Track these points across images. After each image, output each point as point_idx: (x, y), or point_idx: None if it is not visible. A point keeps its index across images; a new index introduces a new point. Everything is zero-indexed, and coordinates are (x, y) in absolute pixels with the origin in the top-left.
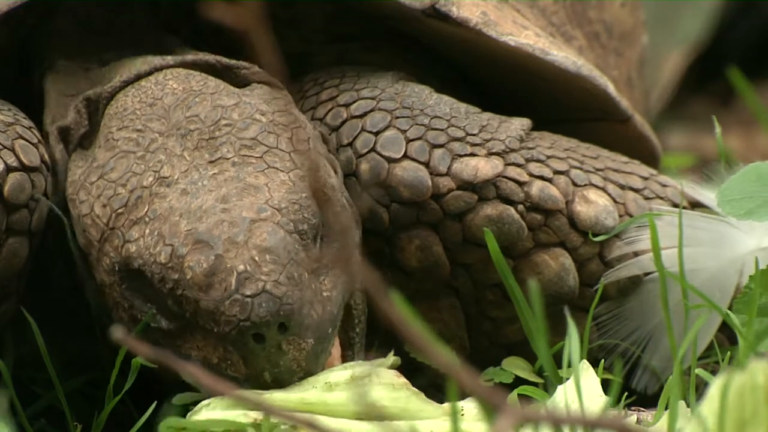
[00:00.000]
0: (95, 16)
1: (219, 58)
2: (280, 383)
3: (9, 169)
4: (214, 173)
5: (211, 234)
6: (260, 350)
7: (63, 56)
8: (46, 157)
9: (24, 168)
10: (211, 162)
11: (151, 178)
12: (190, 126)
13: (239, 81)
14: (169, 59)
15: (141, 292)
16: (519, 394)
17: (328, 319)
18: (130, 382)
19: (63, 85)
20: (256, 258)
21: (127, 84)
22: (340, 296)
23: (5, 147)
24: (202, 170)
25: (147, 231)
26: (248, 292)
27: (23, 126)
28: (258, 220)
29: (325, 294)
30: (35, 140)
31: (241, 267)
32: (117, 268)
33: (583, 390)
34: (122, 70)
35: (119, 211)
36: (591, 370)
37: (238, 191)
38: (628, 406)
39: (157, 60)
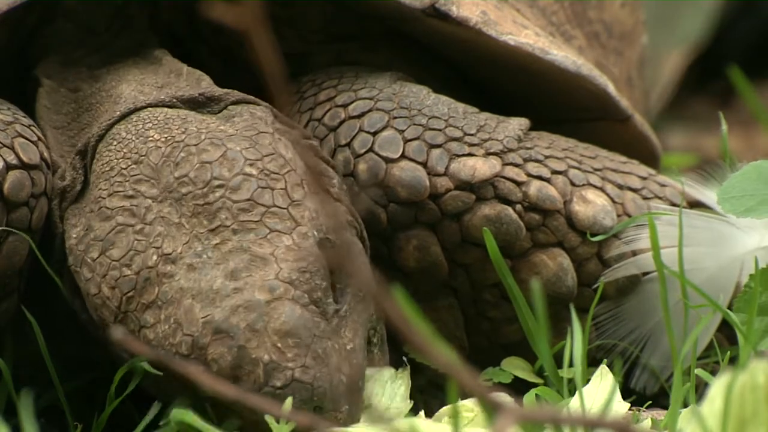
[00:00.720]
0: (95, 16)
1: (202, 90)
2: None
3: (9, 167)
4: (217, 243)
5: (230, 323)
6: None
7: (57, 63)
8: (46, 154)
9: (24, 166)
10: (211, 230)
11: (155, 257)
12: (181, 189)
13: (221, 106)
14: (144, 99)
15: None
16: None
17: (356, 373)
18: (132, 385)
19: (53, 112)
20: (279, 345)
21: (107, 129)
22: (362, 339)
23: (5, 145)
24: (204, 240)
25: (162, 317)
26: (278, 384)
27: (22, 124)
28: (273, 300)
29: (348, 348)
30: (35, 138)
31: (266, 357)
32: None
33: (600, 395)
34: (106, 104)
35: (129, 294)
36: (610, 374)
37: (245, 264)
38: (633, 405)
39: (136, 99)
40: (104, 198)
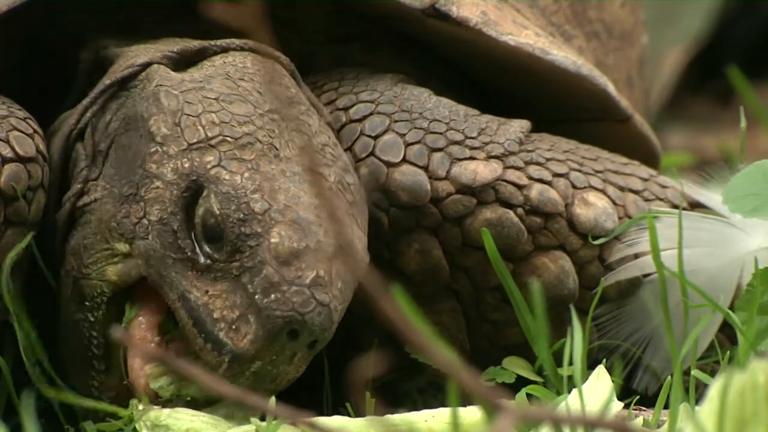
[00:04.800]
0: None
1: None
2: (255, 381)
3: (4, 161)
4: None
5: (309, 227)
6: (280, 343)
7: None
8: (42, 147)
9: (20, 159)
10: (311, 170)
11: (265, 138)
12: (302, 127)
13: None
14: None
15: (191, 209)
16: (527, 394)
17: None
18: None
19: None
20: (333, 276)
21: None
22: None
23: (0, 139)
24: (302, 170)
25: (247, 174)
26: (318, 296)
27: (18, 117)
28: (345, 250)
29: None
30: (30, 131)
31: (323, 273)
32: (193, 177)
33: (596, 394)
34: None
35: (228, 138)
36: (607, 375)
37: (330, 212)
38: (628, 406)
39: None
40: (229, 77)
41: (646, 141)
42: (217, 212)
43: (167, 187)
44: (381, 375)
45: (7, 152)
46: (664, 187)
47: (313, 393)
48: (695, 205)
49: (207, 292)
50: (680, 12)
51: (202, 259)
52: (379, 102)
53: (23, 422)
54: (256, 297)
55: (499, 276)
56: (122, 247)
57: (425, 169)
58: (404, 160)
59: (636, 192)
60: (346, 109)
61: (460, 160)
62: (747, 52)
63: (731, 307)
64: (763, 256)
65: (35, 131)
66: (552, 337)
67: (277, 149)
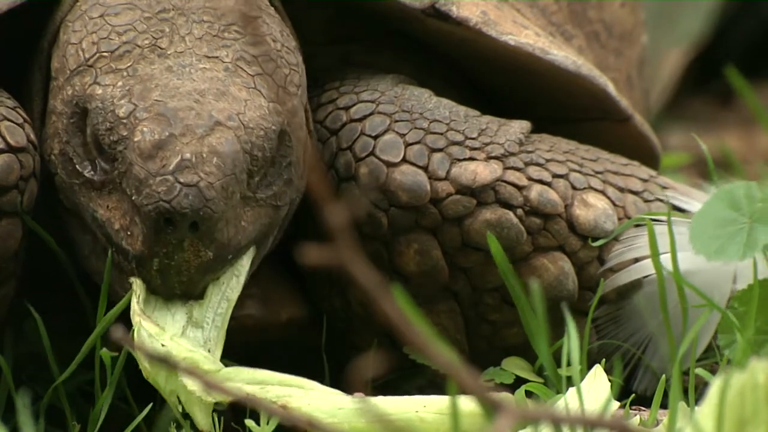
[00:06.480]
0: None
1: None
2: (163, 279)
3: None
4: (205, 68)
5: (176, 114)
6: (164, 234)
7: None
8: (32, 136)
9: (11, 149)
10: (207, 57)
11: (147, 41)
12: (204, 16)
13: None
14: None
15: (82, 133)
16: (526, 391)
17: (233, 246)
18: (110, 378)
19: None
20: (205, 155)
21: None
22: (254, 233)
23: None
24: (195, 60)
25: (120, 83)
26: (182, 180)
27: (7, 107)
28: (223, 125)
29: (243, 224)
30: (21, 120)
31: (188, 155)
32: (75, 101)
33: (593, 393)
34: None
35: (104, 54)
36: (603, 374)
37: (218, 93)
38: (626, 405)
39: None
40: None
41: (646, 141)
42: (92, 128)
43: (59, 118)
44: (381, 375)
45: None
46: (664, 188)
47: None
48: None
49: (108, 207)
50: (680, 12)
51: (96, 177)
52: (379, 102)
53: (22, 422)
54: (133, 198)
55: (502, 276)
56: None
57: (425, 169)
58: (404, 160)
59: (636, 193)
60: (346, 108)
61: (460, 160)
62: (747, 52)
63: (727, 308)
64: (759, 257)
65: (25, 120)
66: (551, 338)
67: (162, 48)
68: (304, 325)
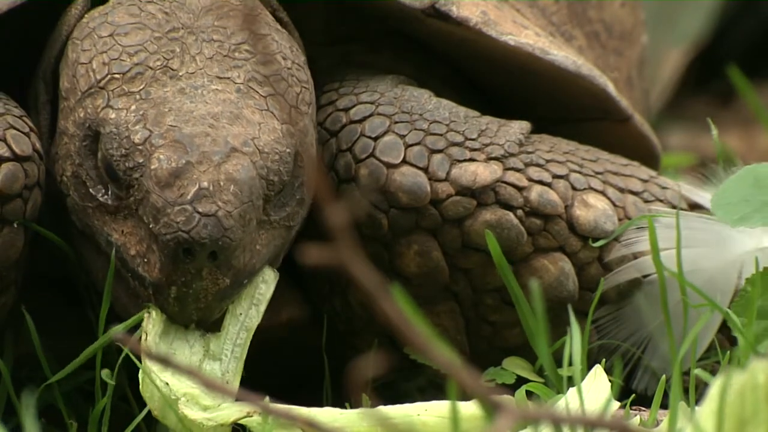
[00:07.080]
0: None
1: None
2: (180, 306)
3: (2, 160)
4: (217, 89)
5: (192, 141)
6: (182, 264)
7: None
8: (38, 145)
9: (16, 158)
10: (219, 77)
11: (158, 63)
12: (213, 35)
13: None
14: None
15: (95, 156)
16: (526, 391)
17: (248, 270)
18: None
19: None
20: (222, 183)
21: None
22: (267, 255)
23: None
24: (207, 81)
25: (133, 107)
26: (200, 209)
27: (14, 115)
28: (239, 151)
29: (257, 247)
30: (27, 129)
31: (206, 183)
32: (87, 124)
33: (593, 393)
34: None
35: (116, 75)
36: (604, 374)
37: (231, 117)
38: (626, 405)
39: None
40: (141, 1)
41: (646, 141)
42: (105, 153)
43: (71, 140)
44: (381, 375)
45: (4, 151)
46: (663, 188)
47: (313, 393)
48: (694, 206)
49: (123, 232)
50: (680, 12)
51: (110, 202)
52: (379, 103)
53: (24, 422)
54: (151, 226)
55: (502, 276)
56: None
57: (425, 170)
58: (404, 162)
59: (636, 193)
60: (346, 110)
61: (460, 161)
62: (747, 52)
63: (730, 308)
64: (761, 256)
65: (31, 129)
66: (552, 338)
67: (174, 69)
68: (304, 325)
